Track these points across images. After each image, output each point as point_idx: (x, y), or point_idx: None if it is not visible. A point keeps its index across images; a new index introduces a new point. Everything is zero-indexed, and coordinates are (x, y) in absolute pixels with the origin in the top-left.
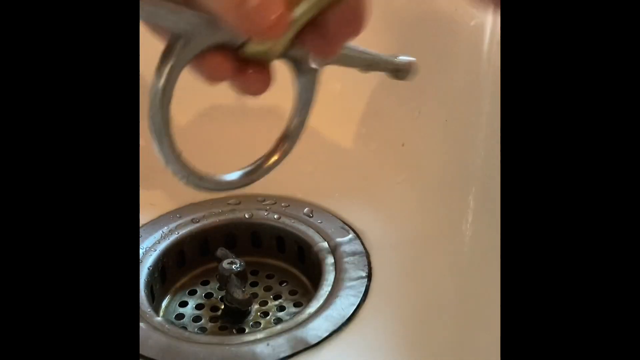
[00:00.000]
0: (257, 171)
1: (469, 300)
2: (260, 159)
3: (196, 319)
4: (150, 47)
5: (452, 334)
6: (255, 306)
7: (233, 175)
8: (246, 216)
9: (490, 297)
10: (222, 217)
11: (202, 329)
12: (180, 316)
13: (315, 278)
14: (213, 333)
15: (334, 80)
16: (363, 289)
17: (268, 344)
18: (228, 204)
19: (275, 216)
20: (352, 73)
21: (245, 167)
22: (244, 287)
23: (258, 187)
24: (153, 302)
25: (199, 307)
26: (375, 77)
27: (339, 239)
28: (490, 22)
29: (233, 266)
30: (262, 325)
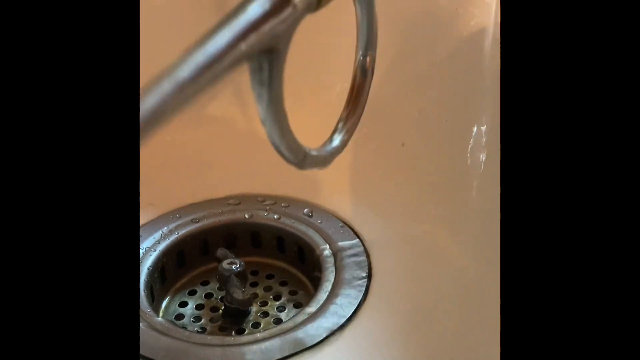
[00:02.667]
0: (353, 114)
1: (469, 300)
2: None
3: (196, 319)
4: (151, 44)
5: (453, 334)
6: (255, 307)
7: (335, 141)
8: (246, 216)
9: (490, 297)
10: (222, 217)
11: (202, 329)
12: (180, 316)
13: (316, 278)
14: (213, 333)
15: (334, 80)
16: (363, 289)
17: (268, 345)
18: (228, 204)
19: (275, 216)
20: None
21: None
22: (244, 287)
23: (258, 187)
24: (153, 302)
25: (198, 307)
26: (376, 77)
27: (338, 239)
28: (490, 22)
29: (233, 266)
30: (262, 326)
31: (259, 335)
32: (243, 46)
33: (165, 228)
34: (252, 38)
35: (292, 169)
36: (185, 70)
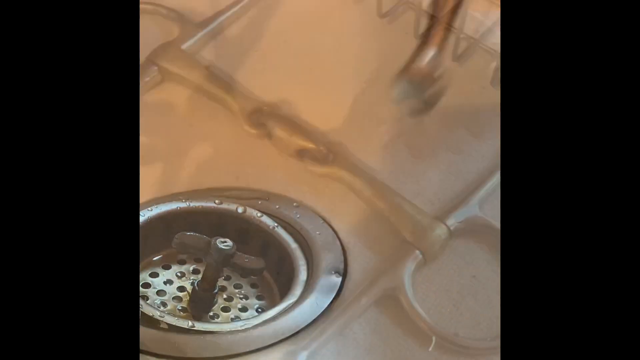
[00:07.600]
0: None
1: (448, 305)
2: None
3: (160, 293)
4: (150, 41)
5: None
6: (220, 299)
7: None
8: (239, 211)
9: (474, 304)
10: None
11: (163, 304)
12: (146, 285)
13: (287, 284)
14: (171, 312)
15: (331, 80)
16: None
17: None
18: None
19: (260, 214)
20: (349, 73)
21: None
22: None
23: (244, 183)
24: None
25: (167, 282)
26: (373, 81)
27: (320, 250)
28: (490, 24)
29: (224, 245)
30: (219, 318)
31: (211, 327)
32: None
33: (155, 206)
34: None
35: (281, 166)
36: None
